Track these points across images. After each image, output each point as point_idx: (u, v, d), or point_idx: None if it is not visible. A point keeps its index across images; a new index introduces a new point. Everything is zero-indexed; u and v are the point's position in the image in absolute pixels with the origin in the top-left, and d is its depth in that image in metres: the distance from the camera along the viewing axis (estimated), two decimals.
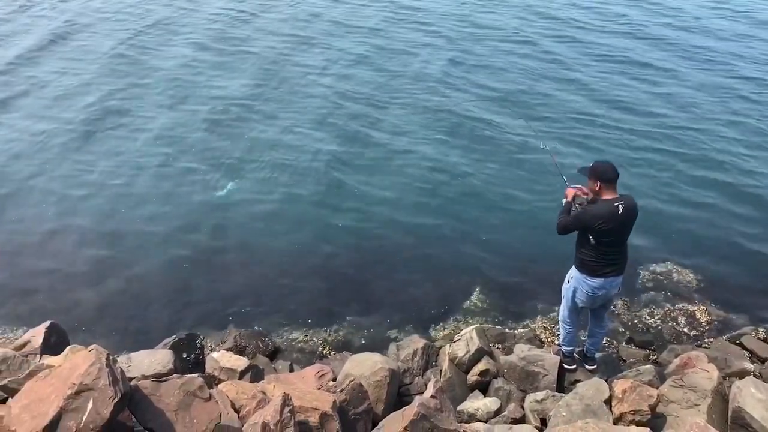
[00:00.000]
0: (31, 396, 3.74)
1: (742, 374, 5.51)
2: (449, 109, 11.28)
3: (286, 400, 3.88)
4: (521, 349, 5.71)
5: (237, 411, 4.25)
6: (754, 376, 5.47)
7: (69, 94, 11.70)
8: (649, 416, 4.61)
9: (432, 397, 4.27)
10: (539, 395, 5.16)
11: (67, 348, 5.08)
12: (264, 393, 4.40)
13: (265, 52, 13.73)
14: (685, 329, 6.70)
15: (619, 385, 4.79)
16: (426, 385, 5.19)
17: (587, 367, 5.76)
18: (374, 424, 4.55)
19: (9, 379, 4.27)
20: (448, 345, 5.97)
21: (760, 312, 6.92)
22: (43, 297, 7.05)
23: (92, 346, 4.37)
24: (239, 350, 6.17)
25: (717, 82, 12.60)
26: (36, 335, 5.50)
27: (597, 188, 4.90)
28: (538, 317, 6.87)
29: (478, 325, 6.45)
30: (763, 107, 11.57)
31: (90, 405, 3.54)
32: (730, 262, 7.69)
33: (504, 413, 5.12)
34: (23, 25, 15.32)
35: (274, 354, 6.38)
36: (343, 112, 11.20)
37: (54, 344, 5.50)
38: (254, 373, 5.52)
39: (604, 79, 12.71)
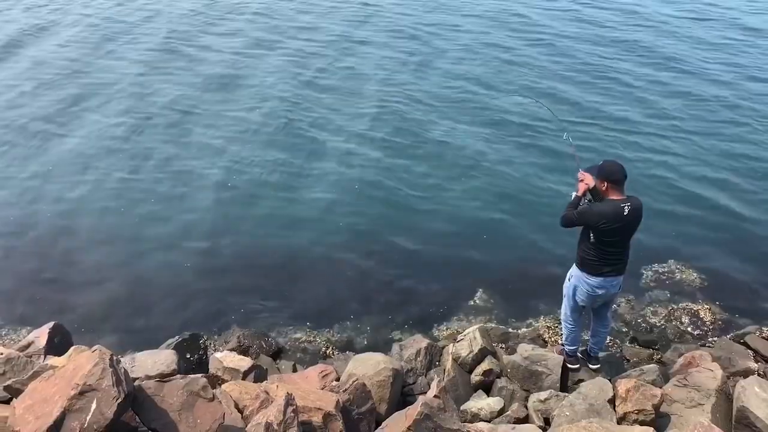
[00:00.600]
0: (35, 397, 3.74)
1: (746, 373, 5.49)
2: (443, 110, 11.29)
3: (289, 400, 3.88)
4: (524, 349, 5.69)
5: (240, 411, 4.26)
6: (759, 375, 5.44)
7: (85, 94, 11.75)
8: (653, 416, 4.61)
9: (435, 396, 4.27)
10: (543, 395, 5.16)
11: (71, 348, 5.09)
12: (267, 393, 4.40)
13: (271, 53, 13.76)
14: (689, 328, 6.69)
15: (623, 385, 4.78)
16: (429, 384, 5.20)
17: (591, 366, 5.76)
18: (377, 424, 4.55)
19: (13, 379, 4.29)
20: (452, 345, 5.96)
21: (764, 311, 6.89)
22: (47, 298, 7.05)
23: (96, 347, 4.40)
24: (242, 350, 6.17)
25: (729, 82, 12.57)
26: (40, 336, 5.53)
27: (604, 188, 4.85)
28: (541, 317, 6.86)
29: (481, 324, 6.43)
30: None
31: (94, 405, 3.55)
32: (734, 261, 7.66)
33: (507, 413, 5.12)
34: None
35: (277, 354, 6.38)
36: (348, 111, 11.21)
37: (58, 345, 5.52)
38: (257, 373, 5.51)
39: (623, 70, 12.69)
